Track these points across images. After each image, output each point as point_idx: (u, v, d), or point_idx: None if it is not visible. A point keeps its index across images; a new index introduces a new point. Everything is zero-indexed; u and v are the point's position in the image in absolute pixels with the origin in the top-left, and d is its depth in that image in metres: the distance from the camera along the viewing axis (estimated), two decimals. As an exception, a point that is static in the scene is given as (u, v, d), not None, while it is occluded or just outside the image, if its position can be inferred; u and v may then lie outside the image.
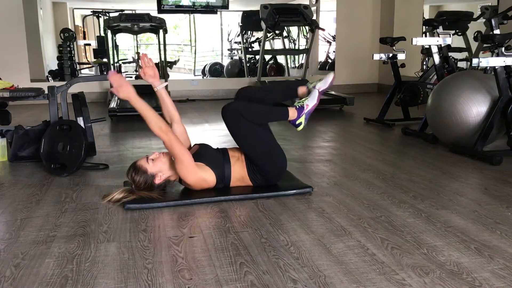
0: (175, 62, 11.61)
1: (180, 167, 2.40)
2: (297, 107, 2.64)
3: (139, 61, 10.25)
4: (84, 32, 12.58)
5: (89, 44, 11.76)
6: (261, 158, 2.54)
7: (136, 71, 10.64)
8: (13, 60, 6.71)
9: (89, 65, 10.75)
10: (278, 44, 10.74)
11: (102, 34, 9.18)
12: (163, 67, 7.76)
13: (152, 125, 2.32)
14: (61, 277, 1.68)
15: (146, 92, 7.19)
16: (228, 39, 12.24)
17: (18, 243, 1.97)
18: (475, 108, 3.41)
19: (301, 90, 2.74)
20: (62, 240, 2.00)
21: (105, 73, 8.74)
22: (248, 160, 2.56)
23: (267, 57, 9.52)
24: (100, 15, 9.82)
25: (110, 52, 8.13)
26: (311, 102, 2.66)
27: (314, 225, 2.14)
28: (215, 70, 10.87)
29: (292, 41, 10.29)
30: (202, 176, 2.47)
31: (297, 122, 2.65)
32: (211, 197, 2.46)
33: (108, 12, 9.81)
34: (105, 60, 9.01)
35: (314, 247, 1.91)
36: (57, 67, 8.69)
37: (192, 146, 2.72)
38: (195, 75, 12.05)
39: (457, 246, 1.91)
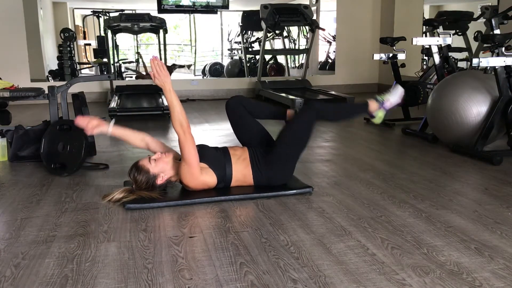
0: (182, 66, 11.64)
1: (185, 168, 2.40)
2: (379, 100, 2.76)
3: (139, 61, 10.31)
4: (84, 32, 12.58)
5: (89, 44, 11.76)
6: (284, 158, 2.56)
7: (135, 71, 10.64)
8: (13, 60, 6.71)
9: (89, 65, 10.74)
10: (278, 44, 10.74)
11: (102, 34, 9.17)
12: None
13: (175, 119, 2.33)
14: (61, 277, 1.68)
15: (147, 92, 7.16)
16: (228, 39, 12.23)
17: (18, 243, 1.97)
18: (475, 108, 3.41)
19: (290, 112, 2.81)
20: (62, 240, 2.00)
21: (105, 72, 8.74)
22: (257, 157, 2.56)
23: (267, 57, 9.52)
24: (100, 15, 9.80)
25: (110, 52, 8.13)
26: (393, 98, 2.78)
27: (314, 225, 2.14)
28: (215, 70, 10.87)
29: (292, 41, 10.29)
30: (204, 179, 2.47)
31: (374, 113, 2.78)
32: (211, 197, 2.46)
33: (108, 12, 9.80)
34: (105, 60, 9.00)
35: (314, 247, 1.91)
36: (57, 67, 8.68)
37: None
38: (195, 75, 12.05)
39: (457, 246, 1.91)
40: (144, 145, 2.67)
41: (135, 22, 7.03)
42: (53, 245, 1.95)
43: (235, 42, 11.68)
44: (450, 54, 4.67)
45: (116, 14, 7.56)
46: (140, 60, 9.98)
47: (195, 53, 12.59)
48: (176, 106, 2.33)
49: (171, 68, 9.13)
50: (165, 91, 2.33)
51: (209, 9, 7.74)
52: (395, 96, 2.79)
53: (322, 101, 2.28)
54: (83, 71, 10.65)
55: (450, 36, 4.49)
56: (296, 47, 10.18)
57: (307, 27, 8.36)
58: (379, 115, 2.78)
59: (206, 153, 2.54)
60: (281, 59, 9.77)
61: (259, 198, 2.50)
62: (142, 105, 5.86)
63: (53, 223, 2.19)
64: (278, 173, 2.57)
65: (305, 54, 7.53)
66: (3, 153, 3.43)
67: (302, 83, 7.19)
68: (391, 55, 4.80)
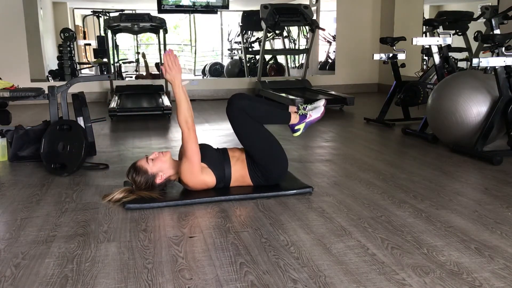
0: None
1: (186, 166, 2.41)
2: (301, 114, 2.71)
3: (142, 61, 10.32)
4: (84, 32, 12.57)
5: (89, 44, 11.75)
6: (263, 157, 2.55)
7: (136, 70, 10.64)
8: (13, 60, 6.71)
9: (89, 65, 10.74)
10: (278, 44, 10.74)
11: (102, 34, 9.17)
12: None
13: (181, 116, 2.35)
14: (61, 277, 1.68)
15: (147, 92, 7.14)
16: (228, 39, 12.23)
17: (18, 243, 1.97)
18: (475, 108, 3.41)
19: (291, 109, 2.77)
20: (62, 240, 2.00)
21: (105, 72, 8.74)
22: (250, 159, 2.56)
23: (267, 57, 9.52)
24: (100, 15, 9.81)
25: (110, 52, 8.13)
26: (314, 114, 2.73)
27: (314, 225, 2.14)
28: (215, 70, 10.87)
29: (292, 41, 10.28)
30: (203, 179, 2.47)
31: (296, 127, 2.72)
32: (211, 197, 2.46)
33: (108, 12, 9.80)
34: (105, 60, 9.00)
35: (314, 247, 1.91)
36: (57, 67, 8.68)
37: None
38: (195, 75, 12.05)
39: (457, 246, 1.91)
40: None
41: (135, 22, 7.03)
42: (53, 245, 1.95)
43: (235, 42, 11.68)
44: (450, 54, 4.67)
45: (116, 14, 7.56)
46: (143, 60, 9.98)
47: (195, 53, 12.59)
48: (184, 101, 2.35)
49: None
50: (174, 85, 2.37)
51: (209, 9, 7.73)
52: (317, 112, 2.73)
53: (251, 97, 2.11)
54: (83, 71, 10.65)
55: (450, 36, 4.49)
56: (296, 47, 10.18)
57: (307, 27, 8.36)
58: (299, 129, 2.72)
59: (208, 153, 2.55)
60: (281, 59, 9.77)
61: (259, 198, 2.50)
62: (142, 105, 5.86)
63: (53, 223, 2.19)
64: (271, 171, 2.57)
65: (305, 54, 7.53)
66: (3, 153, 3.43)
67: (302, 83, 7.19)
68: (391, 55, 4.80)
